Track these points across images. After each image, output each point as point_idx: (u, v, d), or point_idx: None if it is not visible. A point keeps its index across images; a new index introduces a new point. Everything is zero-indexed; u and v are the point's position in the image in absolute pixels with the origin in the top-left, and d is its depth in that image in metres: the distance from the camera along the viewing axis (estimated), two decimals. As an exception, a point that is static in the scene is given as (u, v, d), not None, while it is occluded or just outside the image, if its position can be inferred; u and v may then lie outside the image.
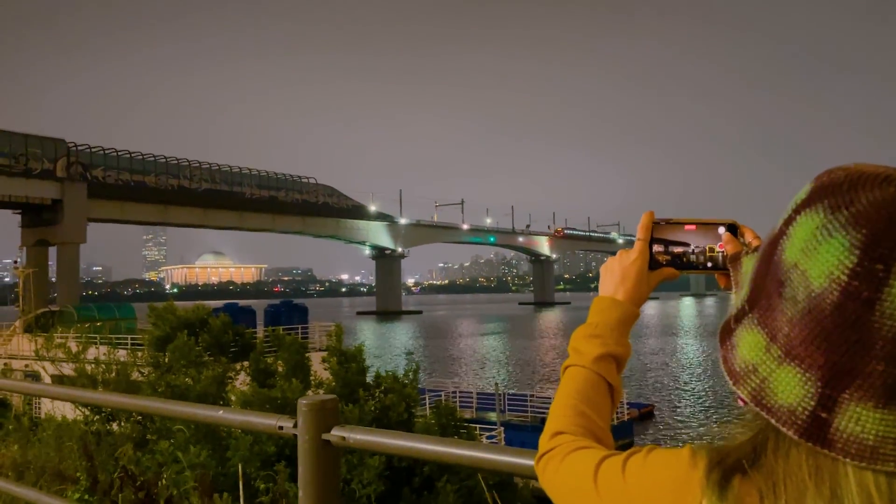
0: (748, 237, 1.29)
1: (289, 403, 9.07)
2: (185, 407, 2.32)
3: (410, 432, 11.90)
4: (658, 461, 1.01)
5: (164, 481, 7.80)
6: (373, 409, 11.66)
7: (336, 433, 1.81)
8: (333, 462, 1.82)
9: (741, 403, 0.99)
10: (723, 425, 1.01)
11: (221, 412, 2.08)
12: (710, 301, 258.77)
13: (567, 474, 1.12)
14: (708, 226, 1.31)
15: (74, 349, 18.89)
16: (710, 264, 1.32)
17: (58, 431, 10.95)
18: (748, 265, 1.09)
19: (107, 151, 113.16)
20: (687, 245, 1.33)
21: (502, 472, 1.68)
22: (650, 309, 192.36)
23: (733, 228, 1.30)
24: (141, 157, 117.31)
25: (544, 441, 1.22)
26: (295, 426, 1.83)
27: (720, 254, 1.30)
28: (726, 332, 1.01)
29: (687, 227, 1.33)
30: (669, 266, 1.35)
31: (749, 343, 0.95)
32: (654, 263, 1.35)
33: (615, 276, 1.36)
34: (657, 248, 1.34)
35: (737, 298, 1.06)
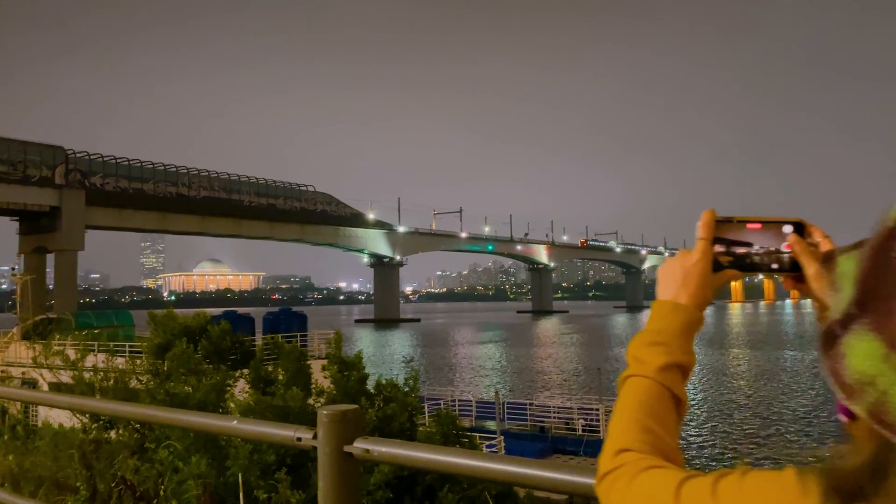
0: (816, 236, 1.20)
1: (290, 412, 8.99)
2: (198, 417, 2.23)
3: (414, 441, 11.82)
4: (759, 485, 0.89)
5: (163, 491, 7.69)
6: (374, 418, 11.56)
7: (359, 445, 1.72)
8: (355, 475, 1.71)
9: (844, 419, 0.88)
10: (824, 445, 0.88)
11: (235, 422, 1.98)
12: (707, 310, 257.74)
13: (639, 497, 1.02)
14: (773, 224, 1.22)
15: (72, 357, 18.76)
16: (775, 266, 1.22)
17: (55, 440, 10.83)
18: (847, 265, 0.96)
19: (105, 158, 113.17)
20: (750, 245, 1.23)
21: (546, 489, 1.56)
22: (646, 316, 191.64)
23: (800, 227, 1.21)
24: (139, 164, 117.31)
25: (606, 459, 1.13)
26: (314, 437, 1.73)
27: (786, 255, 1.20)
28: (830, 340, 0.87)
29: (750, 225, 1.24)
30: (732, 268, 1.26)
31: (863, 352, 0.82)
32: (715, 265, 1.26)
33: (676, 278, 1.26)
34: (718, 248, 1.25)
35: (835, 301, 0.93)
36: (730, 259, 1.25)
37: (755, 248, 1.23)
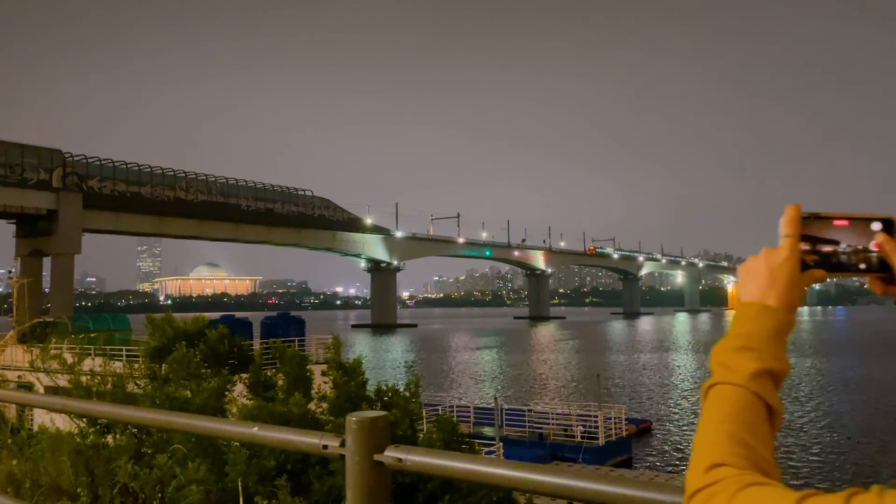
0: None
1: (292, 418, 8.89)
2: (216, 423, 2.13)
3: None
4: None
5: (164, 497, 7.59)
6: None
7: (391, 454, 1.63)
8: (386, 485, 1.62)
9: None
10: None
11: (256, 429, 1.88)
12: (704, 317, 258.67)
13: None
14: (861, 221, 1.14)
15: (70, 360, 18.63)
16: (863, 266, 1.13)
17: (52, 444, 10.72)
18: None
19: (103, 162, 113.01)
20: (836, 243, 1.14)
21: (592, 501, 1.41)
22: (645, 324, 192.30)
23: (889, 225, 1.12)
24: (137, 167, 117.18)
25: (697, 475, 1.00)
26: (342, 445, 1.64)
27: (875, 254, 1.12)
28: None
29: (837, 222, 1.15)
30: (818, 268, 1.15)
31: None
32: (801, 264, 1.16)
33: (762, 278, 1.16)
34: (803, 246, 1.16)
35: None
36: (815, 258, 1.17)
37: (842, 247, 1.16)
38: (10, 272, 40.88)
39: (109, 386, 16.28)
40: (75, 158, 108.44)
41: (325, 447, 1.71)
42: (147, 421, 2.38)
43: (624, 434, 32.07)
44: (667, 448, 34.68)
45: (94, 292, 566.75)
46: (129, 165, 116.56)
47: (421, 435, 13.19)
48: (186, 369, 11.85)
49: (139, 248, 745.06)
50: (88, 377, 16.83)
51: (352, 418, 1.66)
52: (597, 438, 30.26)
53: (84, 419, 17.05)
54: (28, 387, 28.74)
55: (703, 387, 1.13)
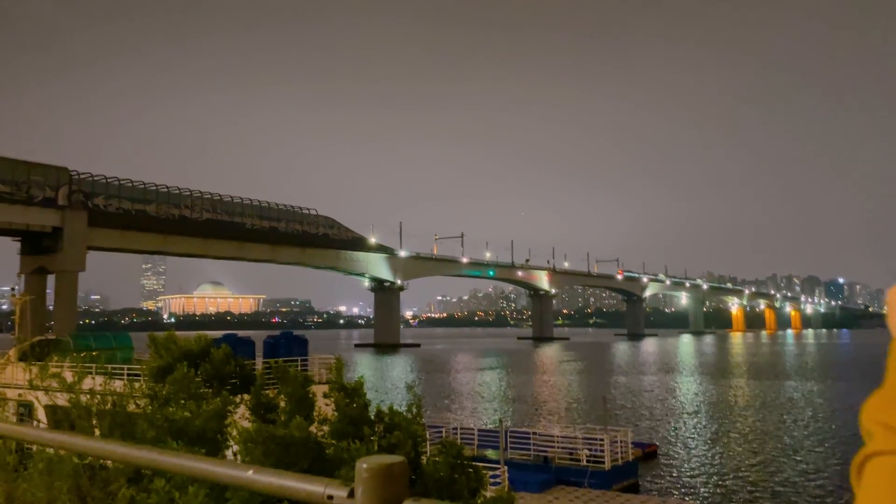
0: None
1: (293, 441, 8.64)
2: (207, 464, 1.90)
3: (420, 473, 11.40)
4: None
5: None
6: (377, 448, 11.19)
7: (411, 509, 1.34)
8: (403, 549, 1.35)
9: None
10: None
11: (251, 472, 1.63)
12: (708, 339, 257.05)
13: None
14: None
15: (70, 379, 18.37)
16: None
17: (49, 466, 10.45)
18: None
19: (109, 180, 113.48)
20: None
21: None
22: (650, 346, 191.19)
23: None
24: (142, 185, 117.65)
25: None
26: (350, 495, 1.36)
27: None
28: None
29: None
30: None
31: None
32: None
33: None
34: None
35: None
36: None
37: None
38: (13, 289, 40.61)
39: (109, 405, 16.00)
40: (81, 176, 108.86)
41: (331, 497, 1.45)
42: (134, 459, 2.16)
43: (630, 458, 31.57)
44: (673, 472, 34.14)
45: (97, 310, 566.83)
46: (134, 183, 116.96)
47: (425, 458, 12.88)
48: (187, 390, 11.60)
49: (144, 266, 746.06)
50: (88, 396, 16.56)
51: (363, 465, 1.39)
52: (603, 462, 29.78)
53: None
54: (28, 406, 28.45)
55: (856, 460, 0.80)
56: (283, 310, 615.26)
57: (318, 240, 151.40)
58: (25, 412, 29.47)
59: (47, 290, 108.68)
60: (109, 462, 11.74)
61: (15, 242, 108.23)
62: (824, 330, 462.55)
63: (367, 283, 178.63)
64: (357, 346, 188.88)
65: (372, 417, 12.85)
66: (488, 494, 12.77)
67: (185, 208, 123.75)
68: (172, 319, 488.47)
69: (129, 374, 25.14)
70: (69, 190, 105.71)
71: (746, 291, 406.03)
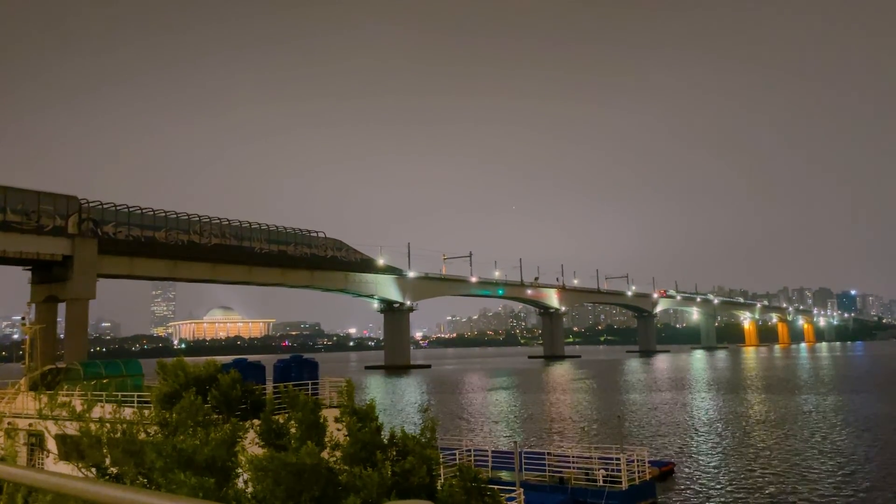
0: None
1: (305, 469, 8.41)
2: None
3: (435, 499, 11.12)
4: None
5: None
6: (391, 473, 10.92)
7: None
8: None
9: None
10: None
11: None
12: (721, 354, 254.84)
13: None
14: None
15: (79, 408, 18.22)
16: None
17: (56, 499, 10.25)
18: None
19: (118, 207, 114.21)
20: None
21: None
22: (662, 362, 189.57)
23: None
24: (152, 212, 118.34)
25: None
26: None
27: None
28: None
29: None
30: None
31: None
32: None
33: None
34: None
35: None
36: None
37: None
38: (23, 319, 40.61)
39: (119, 434, 15.82)
40: (90, 204, 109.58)
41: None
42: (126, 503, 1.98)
43: (647, 477, 31.04)
44: (692, 491, 33.53)
45: (108, 337, 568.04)
46: (143, 210, 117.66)
47: (439, 484, 12.60)
48: (195, 418, 11.40)
49: (153, 293, 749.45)
50: (97, 425, 16.38)
51: None
52: (620, 482, 29.27)
53: (93, 468, 16.54)
54: (38, 435, 28.28)
55: None
56: (293, 333, 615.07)
57: (327, 262, 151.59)
58: (36, 442, 29.32)
59: (58, 319, 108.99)
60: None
61: (26, 272, 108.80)
62: (838, 342, 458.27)
63: (376, 304, 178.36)
64: (368, 368, 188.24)
65: (385, 442, 12.60)
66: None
67: (193, 234, 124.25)
68: (183, 345, 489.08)
69: (139, 402, 25.01)
70: (79, 218, 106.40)
71: (758, 305, 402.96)
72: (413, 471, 11.14)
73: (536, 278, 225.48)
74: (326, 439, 11.39)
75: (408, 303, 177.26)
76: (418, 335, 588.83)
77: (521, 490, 24.98)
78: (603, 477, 29.69)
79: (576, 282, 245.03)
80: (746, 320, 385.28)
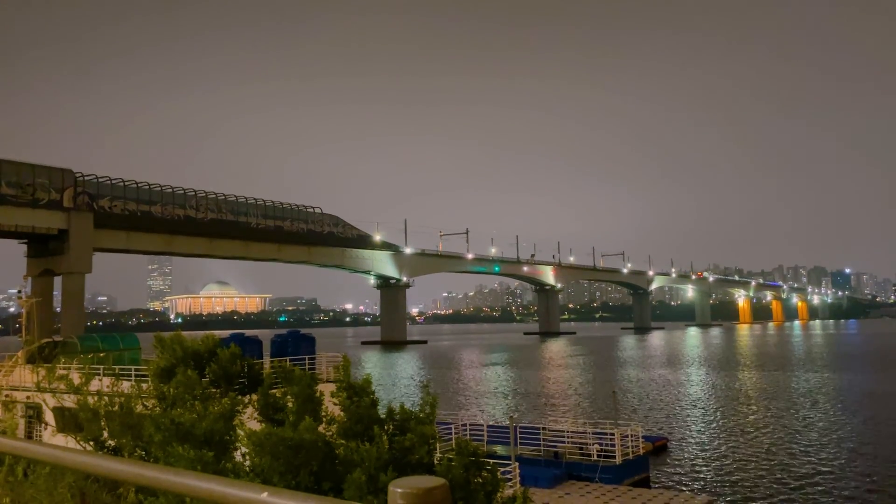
0: None
1: (303, 444, 8.44)
2: (214, 484, 1.70)
3: (433, 473, 11.19)
4: None
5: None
6: (388, 448, 10.96)
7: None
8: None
9: None
10: None
11: (265, 495, 1.44)
12: (715, 331, 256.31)
13: None
14: None
15: (77, 381, 18.24)
16: None
17: (53, 473, 10.29)
18: None
19: (114, 181, 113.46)
20: None
21: None
22: (657, 339, 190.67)
23: None
24: (147, 186, 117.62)
25: None
26: None
27: None
28: None
29: None
30: None
31: None
32: None
33: None
34: None
35: None
36: None
37: None
38: (20, 292, 40.61)
39: (117, 407, 15.86)
40: (86, 178, 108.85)
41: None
42: (134, 478, 1.97)
43: (641, 452, 31.34)
44: (685, 466, 33.91)
45: (104, 311, 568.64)
46: (139, 184, 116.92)
47: (437, 457, 12.67)
48: (192, 392, 11.42)
49: (150, 267, 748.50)
50: (95, 398, 16.42)
51: (396, 489, 1.16)
52: (613, 457, 29.56)
53: (91, 442, 16.61)
54: (36, 408, 28.39)
55: None
56: (290, 308, 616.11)
57: (324, 238, 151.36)
58: (34, 414, 29.45)
59: (54, 293, 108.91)
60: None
61: (21, 245, 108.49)
62: (832, 320, 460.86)
63: (372, 280, 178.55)
64: (364, 343, 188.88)
65: (382, 416, 12.64)
66: (503, 495, 12.56)
67: (190, 208, 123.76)
68: (179, 319, 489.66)
69: (136, 375, 25.05)
70: (74, 192, 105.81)
71: (753, 283, 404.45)
72: (412, 448, 11.18)
73: (533, 255, 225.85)
74: (322, 414, 11.43)
75: (404, 279, 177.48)
76: (414, 311, 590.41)
77: (517, 464, 25.20)
78: (597, 451, 29.97)
79: (572, 259, 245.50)
80: (741, 298, 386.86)
